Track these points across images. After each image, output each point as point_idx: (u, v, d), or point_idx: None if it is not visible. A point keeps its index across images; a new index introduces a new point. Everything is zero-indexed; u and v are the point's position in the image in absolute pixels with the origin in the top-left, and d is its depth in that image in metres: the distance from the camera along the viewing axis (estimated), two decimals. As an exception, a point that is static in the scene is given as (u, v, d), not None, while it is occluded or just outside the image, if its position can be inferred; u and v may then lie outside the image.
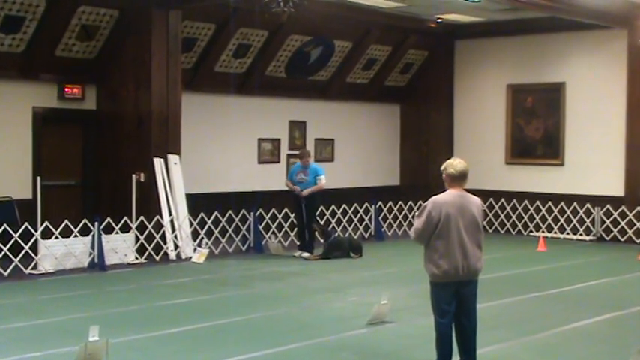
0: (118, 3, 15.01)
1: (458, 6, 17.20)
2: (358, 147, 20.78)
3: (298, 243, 15.63)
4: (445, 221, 7.28)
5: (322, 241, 15.41)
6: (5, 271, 12.73)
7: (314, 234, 15.45)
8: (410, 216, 19.04)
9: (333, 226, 16.96)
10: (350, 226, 17.94)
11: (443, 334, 7.46)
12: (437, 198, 7.45)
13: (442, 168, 7.59)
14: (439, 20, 18.87)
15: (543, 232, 18.69)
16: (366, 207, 18.23)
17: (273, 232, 16.52)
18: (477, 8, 17.35)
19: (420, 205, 18.54)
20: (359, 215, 18.18)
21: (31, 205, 14.12)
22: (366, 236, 18.05)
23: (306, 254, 15.22)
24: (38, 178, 13.82)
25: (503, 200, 19.40)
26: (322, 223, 16.06)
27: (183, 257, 14.88)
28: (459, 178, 7.48)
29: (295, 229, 16.04)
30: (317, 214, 15.79)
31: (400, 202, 19.04)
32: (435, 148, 20.89)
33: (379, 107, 21.25)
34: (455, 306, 7.42)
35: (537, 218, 19.00)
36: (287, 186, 15.61)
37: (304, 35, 18.13)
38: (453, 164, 7.52)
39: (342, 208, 17.96)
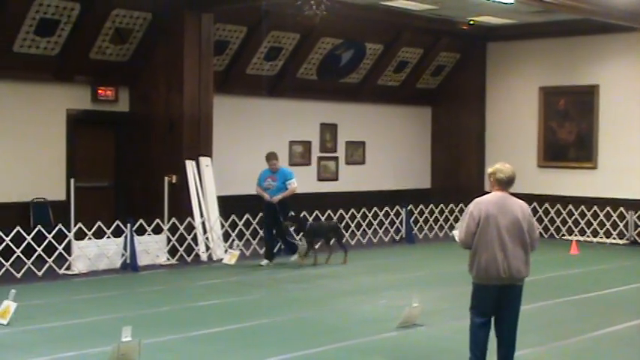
0: (151, 6, 15.12)
1: (490, 8, 17.11)
2: (389, 149, 20.75)
3: (262, 252, 14.92)
4: (485, 220, 7.30)
5: (298, 238, 14.76)
6: (39, 271, 12.87)
7: (287, 232, 14.67)
8: (441, 219, 18.99)
9: (304, 215, 15.61)
10: (381, 229, 17.92)
11: (477, 337, 7.43)
12: (479, 199, 7.51)
13: (490, 172, 7.55)
14: (471, 22, 18.79)
15: (576, 235, 18.54)
16: (397, 210, 18.19)
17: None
18: (509, 10, 17.26)
19: (452, 207, 18.78)
20: (390, 218, 18.15)
21: (64, 206, 14.27)
22: (397, 239, 18.01)
23: (294, 257, 14.73)
24: (72, 180, 13.95)
25: (535, 204, 19.24)
26: (294, 214, 14.59)
27: (215, 259, 14.96)
28: (507, 183, 7.50)
29: (272, 236, 14.86)
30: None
31: (431, 205, 18.98)
32: (466, 151, 20.82)
33: (410, 110, 21.21)
34: (495, 310, 7.41)
35: (570, 222, 18.85)
36: (257, 192, 14.71)
37: (335, 38, 18.15)
38: (502, 169, 7.49)
39: (372, 210, 17.94)
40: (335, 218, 17.16)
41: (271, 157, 14.62)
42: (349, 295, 11.87)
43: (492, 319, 7.47)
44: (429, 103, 21.49)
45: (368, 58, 19.26)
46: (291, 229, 14.66)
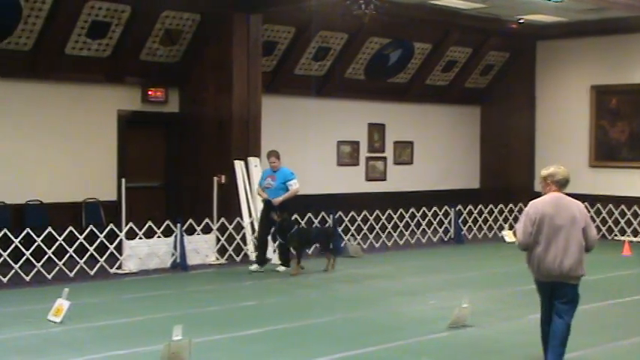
0: (200, 7, 15.23)
1: (540, 6, 16.93)
2: (438, 149, 20.65)
3: (254, 256, 14.02)
4: (541, 220, 7.45)
5: (275, 243, 13.91)
6: (91, 270, 13.03)
7: (281, 239, 13.67)
8: (490, 219, 18.83)
9: (296, 218, 14.58)
10: (429, 229, 17.84)
11: (542, 331, 7.70)
12: (535, 201, 7.67)
13: (545, 174, 7.67)
14: (521, 21, 18.59)
15: (628, 236, 18.25)
16: (446, 210, 18.08)
17: (353, 235, 16.51)
18: (560, 8, 17.05)
19: (501, 208, 18.61)
20: (438, 218, 18.05)
21: (115, 206, 14.45)
22: (446, 239, 17.91)
23: (282, 268, 13.71)
24: (123, 180, 14.10)
25: (586, 204, 18.80)
26: (279, 214, 13.45)
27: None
28: (563, 184, 7.66)
29: (266, 240, 13.94)
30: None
31: (480, 206, 18.84)
32: (516, 151, 20.63)
33: (459, 109, 21.08)
34: (550, 306, 7.62)
35: (622, 222, 18.57)
36: (257, 193, 14.13)
37: (384, 37, 18.11)
38: (558, 171, 7.64)
39: (421, 211, 17.86)
40: (383, 218, 17.15)
41: (271, 154, 13.85)
42: (399, 295, 11.83)
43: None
44: (477, 102, 21.33)
45: (416, 58, 19.18)
46: (276, 220, 13.41)
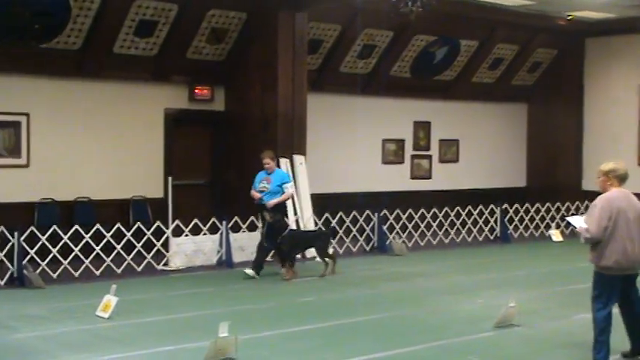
0: (246, 6, 15.29)
1: (589, 2, 16.73)
2: (483, 147, 20.51)
3: (253, 259, 13.12)
4: (617, 215, 7.58)
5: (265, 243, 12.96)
6: (138, 267, 13.16)
7: (269, 242, 12.85)
8: (537, 218, 18.64)
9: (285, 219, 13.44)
10: (475, 227, 17.72)
11: (603, 328, 7.65)
12: (605, 196, 7.76)
13: (607, 169, 7.83)
14: (569, 17, 18.39)
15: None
16: (492, 208, 17.94)
17: (398, 233, 16.47)
18: (609, 4, 16.83)
19: (549, 207, 18.41)
20: (484, 217, 17.91)
21: (162, 203, 14.56)
22: (492, 238, 17.77)
23: (249, 271, 12.80)
24: (169, 178, 14.21)
25: (635, 203, 18.74)
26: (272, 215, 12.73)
27: (308, 256, 15.00)
28: (624, 179, 7.86)
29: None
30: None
31: (527, 204, 18.66)
32: (563, 149, 20.41)
33: (505, 107, 20.92)
34: (622, 299, 7.76)
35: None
36: (251, 195, 13.09)
37: (429, 35, 18.03)
38: (620, 167, 7.87)
39: (466, 209, 17.74)
40: (429, 216, 17.06)
41: (264, 155, 13.06)
42: (445, 293, 11.76)
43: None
44: (525, 100, 21.15)
45: (462, 55, 19.07)
46: (268, 221, 12.71)
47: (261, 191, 12.90)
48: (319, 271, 13.09)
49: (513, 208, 18.36)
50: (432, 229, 17.15)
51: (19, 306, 10.50)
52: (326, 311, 10.51)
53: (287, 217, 13.53)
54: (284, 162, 15.19)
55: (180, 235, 13.81)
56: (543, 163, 20.88)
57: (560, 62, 20.52)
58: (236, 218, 14.38)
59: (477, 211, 17.83)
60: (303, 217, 15.18)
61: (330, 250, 13.73)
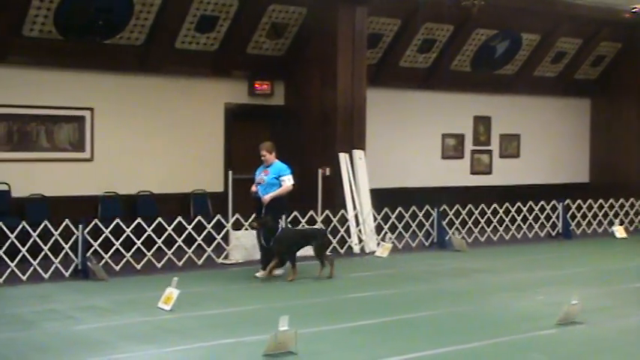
0: (306, 1, 15.31)
1: (655, -5, 16.40)
2: (545, 142, 20.25)
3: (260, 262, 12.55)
4: None
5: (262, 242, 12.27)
6: (199, 260, 13.29)
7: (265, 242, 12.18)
8: (600, 214, 18.34)
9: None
10: (536, 223, 17.51)
11: None
12: None
13: None
14: (634, 10, 18.02)
15: None
16: (553, 204, 17.70)
17: (457, 228, 16.35)
18: (676, -4, 16.47)
19: (612, 203, 18.09)
20: (545, 213, 17.69)
21: (222, 197, 14.68)
22: (553, 234, 17.54)
23: (260, 273, 12.27)
24: (230, 172, 14.32)
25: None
26: (265, 217, 12.12)
27: (367, 251, 15.02)
28: None
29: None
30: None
31: (590, 200, 18.37)
32: (628, 144, 20.05)
33: (568, 101, 20.63)
34: None
35: None
36: (250, 190, 12.54)
37: (490, 29, 17.85)
38: None
39: (527, 205, 17.54)
40: (489, 212, 16.90)
41: (261, 148, 12.49)
42: (506, 290, 11.64)
43: None
44: (587, 94, 20.81)
45: (524, 49, 18.84)
46: (255, 227, 12.40)
47: (258, 184, 12.34)
48: (365, 267, 13.04)
49: (576, 204, 18.09)
50: (492, 225, 16.99)
51: (82, 297, 10.68)
52: (385, 306, 10.48)
53: (283, 214, 12.78)
54: (343, 157, 15.20)
55: (240, 229, 13.89)
56: (606, 158, 20.53)
57: (624, 56, 20.14)
58: (295, 213, 14.42)
59: (539, 206, 17.61)
60: (362, 212, 15.17)
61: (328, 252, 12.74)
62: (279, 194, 12.22)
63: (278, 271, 12.32)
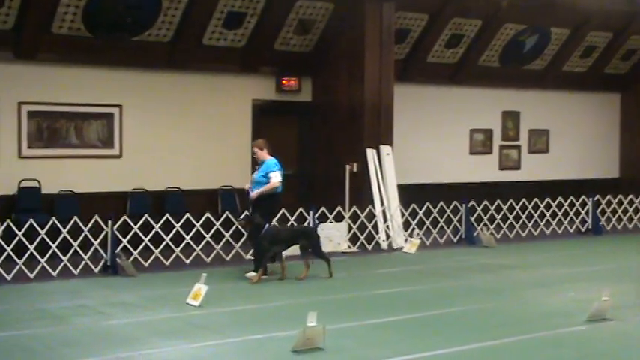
0: (334, -4, 15.31)
1: (686, -12, 16.20)
2: (575, 138, 20.10)
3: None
4: None
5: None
6: (227, 256, 13.33)
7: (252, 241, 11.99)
8: (630, 210, 18.18)
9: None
10: (565, 219, 17.39)
11: None
12: None
13: None
14: (665, 3, 17.84)
15: None
16: (583, 200, 17.56)
17: (485, 224, 16.28)
18: None
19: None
20: (575, 209, 17.55)
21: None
22: (583, 230, 17.41)
23: (251, 274, 11.82)
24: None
25: None
26: (248, 214, 11.94)
27: (395, 247, 14.99)
28: None
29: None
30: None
31: (620, 196, 18.21)
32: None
33: (598, 96, 20.46)
34: None
35: None
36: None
37: (519, 24, 17.72)
38: None
39: (557, 200, 17.42)
40: (517, 208, 16.81)
41: (253, 145, 12.44)
42: (535, 286, 11.57)
43: None
44: (618, 89, 20.63)
45: (553, 44, 18.70)
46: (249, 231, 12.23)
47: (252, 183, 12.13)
48: (393, 263, 13.01)
49: (605, 199, 17.94)
50: (520, 221, 16.90)
51: (112, 293, 10.75)
52: (412, 302, 10.46)
53: (273, 213, 12.39)
54: (370, 153, 15.18)
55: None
56: (637, 153, 20.34)
57: (655, 50, 19.95)
58: (323, 209, 14.42)
59: (568, 202, 17.48)
60: (390, 208, 15.14)
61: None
62: (265, 191, 11.91)
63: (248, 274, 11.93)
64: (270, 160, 12.16)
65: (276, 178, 11.96)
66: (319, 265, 12.13)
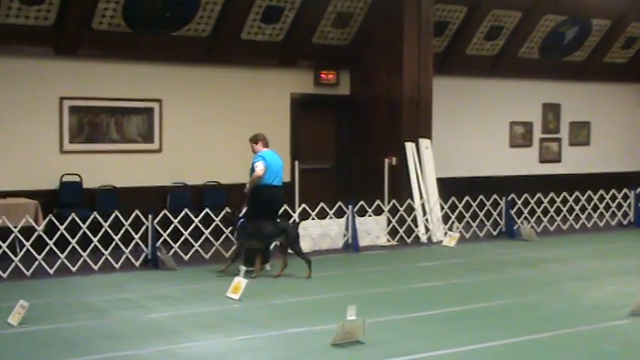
0: (371, -11, 15.26)
1: None
2: (616, 130, 19.87)
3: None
4: None
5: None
6: (266, 250, 13.35)
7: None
8: (673, 203, 17.93)
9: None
10: (607, 212, 17.19)
11: None
12: None
13: None
14: None
15: None
16: (625, 193, 17.35)
17: (526, 218, 16.15)
18: None
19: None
20: (617, 201, 17.35)
21: (289, 187, 14.71)
22: (625, 223, 17.20)
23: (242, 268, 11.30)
24: (296, 162, 14.36)
25: None
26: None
27: (434, 241, 14.93)
28: None
29: None
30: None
31: (663, 188, 17.98)
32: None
33: (639, 88, 20.16)
34: None
35: None
36: None
37: (559, 15, 17.54)
38: None
39: (598, 193, 17.23)
40: (558, 201, 16.65)
41: (250, 140, 12.19)
42: (576, 280, 11.46)
43: None
44: (660, 80, 20.35)
45: (594, 35, 18.48)
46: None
47: None
48: (432, 257, 12.96)
49: (648, 192, 17.72)
50: (561, 214, 16.75)
51: (152, 287, 10.85)
52: (452, 296, 10.42)
53: (257, 206, 11.77)
54: (409, 146, 15.13)
55: (306, 219, 13.93)
56: (680, 145, 20.08)
57: (699, 40, 19.62)
58: (362, 202, 14.41)
59: (610, 195, 17.28)
60: (429, 202, 15.08)
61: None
62: (251, 183, 11.69)
63: (267, 266, 11.90)
64: (260, 152, 11.88)
65: (257, 167, 11.59)
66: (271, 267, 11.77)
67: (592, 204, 17.15)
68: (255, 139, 12.15)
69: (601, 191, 17.27)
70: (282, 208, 12.68)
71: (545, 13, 17.22)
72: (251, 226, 11.51)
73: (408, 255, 13.78)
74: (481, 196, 15.66)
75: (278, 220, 11.96)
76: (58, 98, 13.70)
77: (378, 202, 14.62)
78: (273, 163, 11.88)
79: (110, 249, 12.21)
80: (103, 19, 13.52)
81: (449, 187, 15.62)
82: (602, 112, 19.66)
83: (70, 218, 12.14)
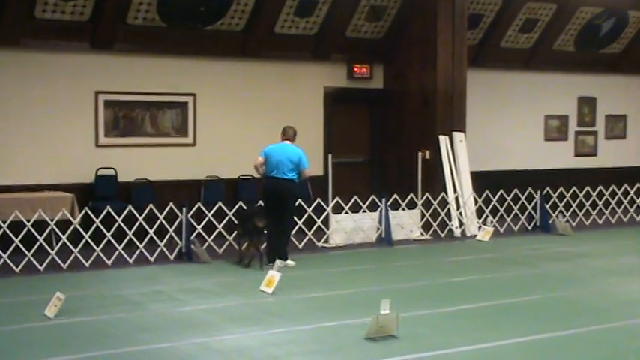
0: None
1: None
2: (653, 123, 19.64)
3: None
4: None
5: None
6: (300, 243, 13.39)
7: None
8: None
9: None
10: (644, 206, 17.06)
11: None
12: None
13: None
14: None
15: None
16: (662, 187, 17.18)
17: (561, 212, 16.02)
18: None
19: None
20: (654, 195, 17.18)
21: (322, 181, 14.74)
22: (662, 218, 17.05)
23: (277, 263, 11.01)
24: (329, 156, 14.36)
25: None
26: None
27: (468, 235, 14.86)
28: None
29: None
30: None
31: (701, 182, 17.75)
32: None
33: (677, 80, 19.94)
34: None
35: None
36: None
37: (595, 7, 17.36)
38: None
39: (635, 187, 17.05)
40: (594, 195, 16.49)
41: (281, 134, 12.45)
42: (612, 274, 11.35)
43: None
44: (698, 72, 20.05)
45: (630, 27, 18.27)
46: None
47: None
48: (466, 251, 12.90)
49: (686, 186, 17.52)
50: (597, 208, 16.59)
51: (187, 279, 10.91)
52: (486, 290, 10.37)
53: (262, 197, 12.33)
54: (443, 139, 15.06)
55: (340, 213, 13.93)
56: None
57: None
58: (395, 196, 14.37)
59: (647, 188, 17.12)
60: (462, 195, 15.02)
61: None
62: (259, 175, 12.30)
63: (290, 262, 11.90)
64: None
65: (257, 159, 12.12)
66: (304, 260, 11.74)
67: (628, 198, 16.98)
68: (286, 133, 12.36)
69: (638, 185, 17.10)
70: (292, 201, 12.31)
71: (580, 5, 17.05)
72: (241, 214, 12.34)
73: (442, 249, 13.74)
74: (515, 190, 15.56)
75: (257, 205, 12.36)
76: (94, 92, 13.81)
77: (411, 195, 14.58)
78: (274, 155, 12.04)
79: (145, 242, 12.31)
80: (138, 13, 13.60)
81: (483, 181, 15.53)
82: (639, 105, 19.42)
83: (105, 211, 12.24)
